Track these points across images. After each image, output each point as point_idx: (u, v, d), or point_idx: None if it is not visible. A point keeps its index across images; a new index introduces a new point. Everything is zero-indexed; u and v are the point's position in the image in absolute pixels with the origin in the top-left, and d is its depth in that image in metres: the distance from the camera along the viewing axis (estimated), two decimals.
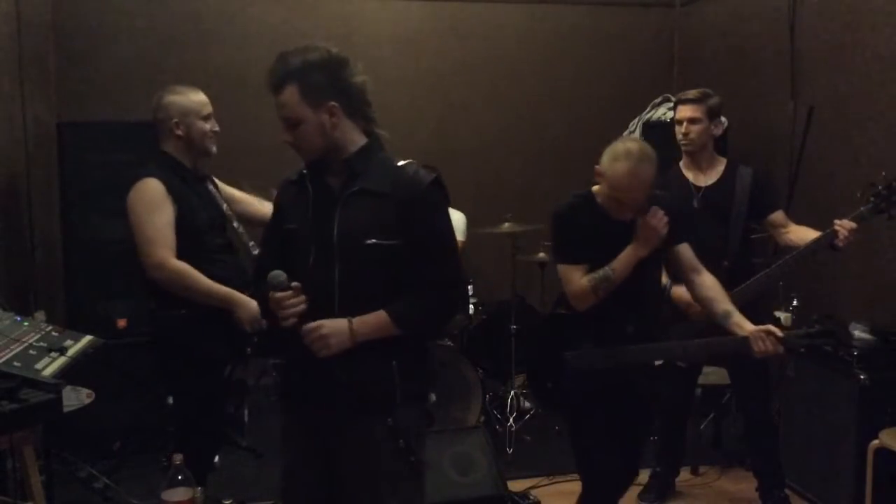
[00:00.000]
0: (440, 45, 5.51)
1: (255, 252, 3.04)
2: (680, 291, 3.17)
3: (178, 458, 2.02)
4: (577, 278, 2.70)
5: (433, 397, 3.09)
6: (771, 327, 2.54)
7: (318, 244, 2.09)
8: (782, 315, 3.83)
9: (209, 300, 2.87)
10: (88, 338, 2.82)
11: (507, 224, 4.51)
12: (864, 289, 3.96)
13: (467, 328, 4.65)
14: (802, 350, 3.22)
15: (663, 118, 4.87)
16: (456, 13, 5.53)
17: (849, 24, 4.05)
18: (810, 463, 3.57)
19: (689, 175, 3.48)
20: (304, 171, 2.18)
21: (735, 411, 4.18)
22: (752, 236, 3.58)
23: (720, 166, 3.47)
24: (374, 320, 2.05)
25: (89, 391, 3.08)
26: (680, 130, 3.45)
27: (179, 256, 2.84)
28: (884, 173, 3.15)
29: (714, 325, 2.74)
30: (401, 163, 2.12)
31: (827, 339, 2.70)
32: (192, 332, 2.89)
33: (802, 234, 3.26)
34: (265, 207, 3.10)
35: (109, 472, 3.80)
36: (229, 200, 3.18)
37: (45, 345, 2.61)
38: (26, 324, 2.76)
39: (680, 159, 3.53)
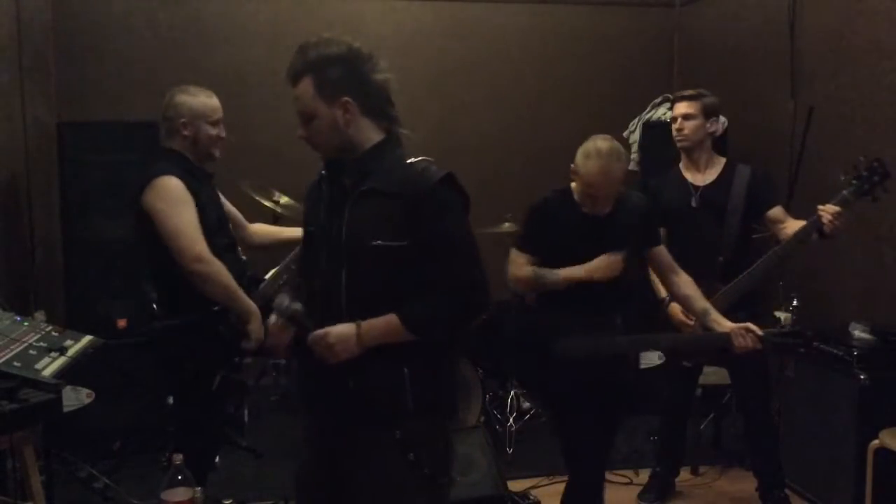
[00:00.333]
0: (440, 45, 5.51)
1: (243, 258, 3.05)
2: (676, 309, 3.26)
3: (178, 458, 2.01)
4: (522, 263, 2.88)
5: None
6: (750, 325, 2.75)
7: (329, 246, 2.03)
8: (782, 315, 3.82)
9: (231, 303, 2.79)
10: (88, 338, 2.82)
11: (507, 224, 4.50)
12: (864, 289, 3.95)
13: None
14: (802, 350, 3.26)
15: (663, 118, 4.86)
16: (456, 13, 5.53)
17: (849, 23, 4.05)
18: (810, 463, 3.57)
19: (688, 175, 3.49)
20: (323, 172, 2.11)
21: (735, 411, 4.18)
22: (754, 236, 3.58)
23: (719, 166, 3.47)
24: (384, 324, 1.96)
25: (89, 391, 3.09)
26: (675, 126, 3.46)
27: None
28: (863, 157, 3.13)
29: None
30: (411, 160, 2.02)
31: (796, 338, 2.84)
32: (190, 340, 2.83)
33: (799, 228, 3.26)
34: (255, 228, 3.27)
35: (109, 472, 3.80)
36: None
37: (45, 345, 2.61)
38: (26, 324, 2.76)
39: (680, 160, 3.54)
